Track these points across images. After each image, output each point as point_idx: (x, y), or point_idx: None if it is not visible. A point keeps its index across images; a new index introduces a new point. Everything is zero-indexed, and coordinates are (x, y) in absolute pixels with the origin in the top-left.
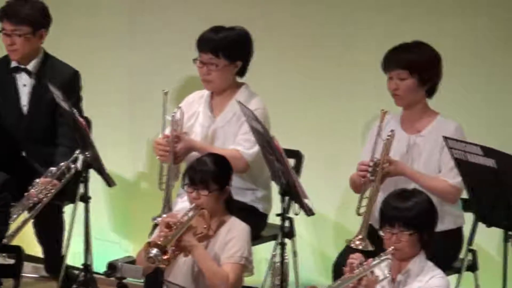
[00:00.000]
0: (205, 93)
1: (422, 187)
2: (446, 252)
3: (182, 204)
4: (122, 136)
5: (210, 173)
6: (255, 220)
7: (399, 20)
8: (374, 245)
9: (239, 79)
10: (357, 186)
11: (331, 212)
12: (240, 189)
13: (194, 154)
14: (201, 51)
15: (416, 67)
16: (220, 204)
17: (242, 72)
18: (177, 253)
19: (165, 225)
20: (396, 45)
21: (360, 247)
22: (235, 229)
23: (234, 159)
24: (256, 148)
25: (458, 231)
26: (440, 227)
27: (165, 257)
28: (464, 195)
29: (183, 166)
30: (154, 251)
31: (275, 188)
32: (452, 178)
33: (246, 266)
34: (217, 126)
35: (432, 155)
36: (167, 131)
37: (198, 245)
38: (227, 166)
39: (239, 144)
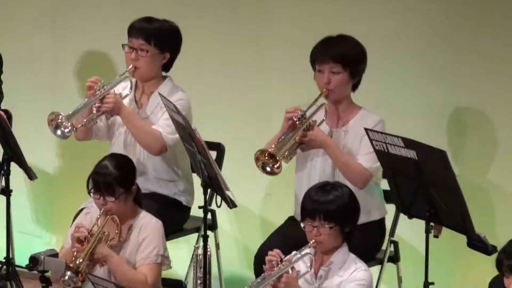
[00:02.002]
0: (128, 85)
1: (336, 160)
2: (369, 243)
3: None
4: (44, 127)
5: (113, 179)
6: (178, 213)
7: (323, 15)
8: (298, 236)
9: (163, 74)
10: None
11: (254, 204)
12: (163, 181)
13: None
14: (132, 37)
15: (349, 61)
16: (129, 204)
17: (168, 66)
18: (91, 266)
19: (76, 240)
20: (323, 38)
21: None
22: (147, 227)
23: (154, 139)
24: (177, 135)
25: (380, 222)
26: (362, 218)
27: (80, 277)
28: (386, 186)
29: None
30: (68, 273)
31: (197, 180)
32: (366, 161)
33: (163, 263)
34: (141, 116)
35: (354, 147)
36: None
37: (112, 254)
38: (130, 166)
39: (161, 127)
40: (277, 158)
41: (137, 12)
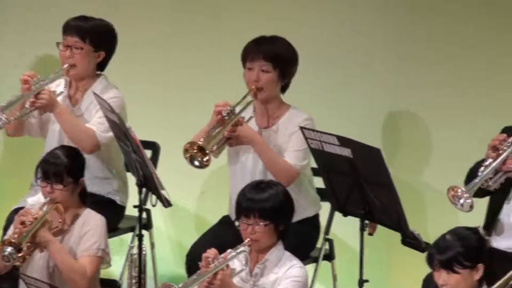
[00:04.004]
0: (63, 82)
1: (263, 157)
2: (303, 241)
3: (34, 198)
4: None
5: (63, 167)
6: (113, 213)
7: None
8: (232, 235)
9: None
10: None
11: (188, 203)
12: (97, 179)
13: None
14: (67, 35)
15: (280, 61)
16: (75, 197)
17: (103, 64)
18: (33, 249)
19: (20, 222)
20: (256, 38)
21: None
22: (91, 221)
23: (87, 136)
24: (111, 133)
25: (315, 219)
26: (296, 216)
27: (20, 254)
28: (321, 184)
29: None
30: (9, 249)
31: (131, 179)
32: (293, 159)
33: (103, 258)
34: (75, 114)
35: (283, 146)
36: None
37: (53, 240)
38: (80, 158)
39: (94, 125)
40: (206, 151)
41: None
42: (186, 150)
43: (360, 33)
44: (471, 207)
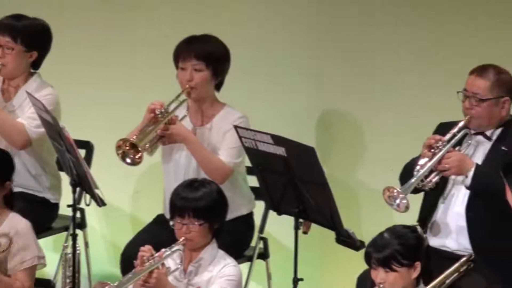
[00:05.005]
0: None
1: (196, 155)
2: (237, 239)
3: None
4: None
5: None
6: (47, 212)
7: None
8: (167, 234)
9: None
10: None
11: (123, 202)
12: (29, 175)
13: None
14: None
15: (212, 60)
16: (0, 201)
17: (37, 63)
18: None
19: None
20: (187, 37)
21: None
22: (17, 232)
23: (17, 131)
24: (42, 129)
25: (249, 218)
26: (230, 214)
27: None
28: (255, 183)
29: None
30: None
31: (65, 178)
32: (227, 156)
33: (39, 263)
34: (8, 110)
35: (218, 144)
36: None
37: None
38: (7, 161)
39: (25, 120)
40: (139, 148)
41: None
42: (118, 147)
43: (294, 32)
44: (407, 207)
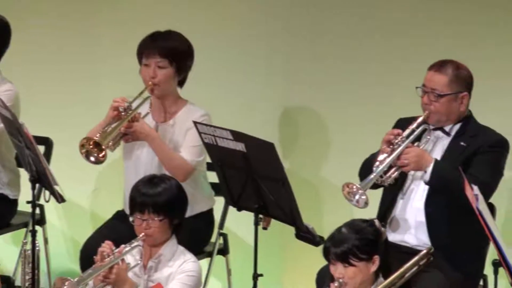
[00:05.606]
0: None
1: (159, 153)
2: (197, 235)
3: None
4: None
5: None
6: (5, 208)
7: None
8: (127, 229)
9: None
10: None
11: (82, 199)
12: None
13: None
14: None
15: (176, 56)
16: None
17: None
18: None
19: None
20: (151, 33)
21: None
22: None
23: None
24: (1, 125)
25: (209, 214)
26: (190, 211)
27: None
28: (215, 179)
29: None
30: None
31: (24, 174)
32: (189, 155)
33: None
34: None
35: (180, 141)
36: None
37: None
38: None
39: None
40: (102, 146)
41: None
42: (82, 146)
43: (257, 29)
44: (366, 203)
